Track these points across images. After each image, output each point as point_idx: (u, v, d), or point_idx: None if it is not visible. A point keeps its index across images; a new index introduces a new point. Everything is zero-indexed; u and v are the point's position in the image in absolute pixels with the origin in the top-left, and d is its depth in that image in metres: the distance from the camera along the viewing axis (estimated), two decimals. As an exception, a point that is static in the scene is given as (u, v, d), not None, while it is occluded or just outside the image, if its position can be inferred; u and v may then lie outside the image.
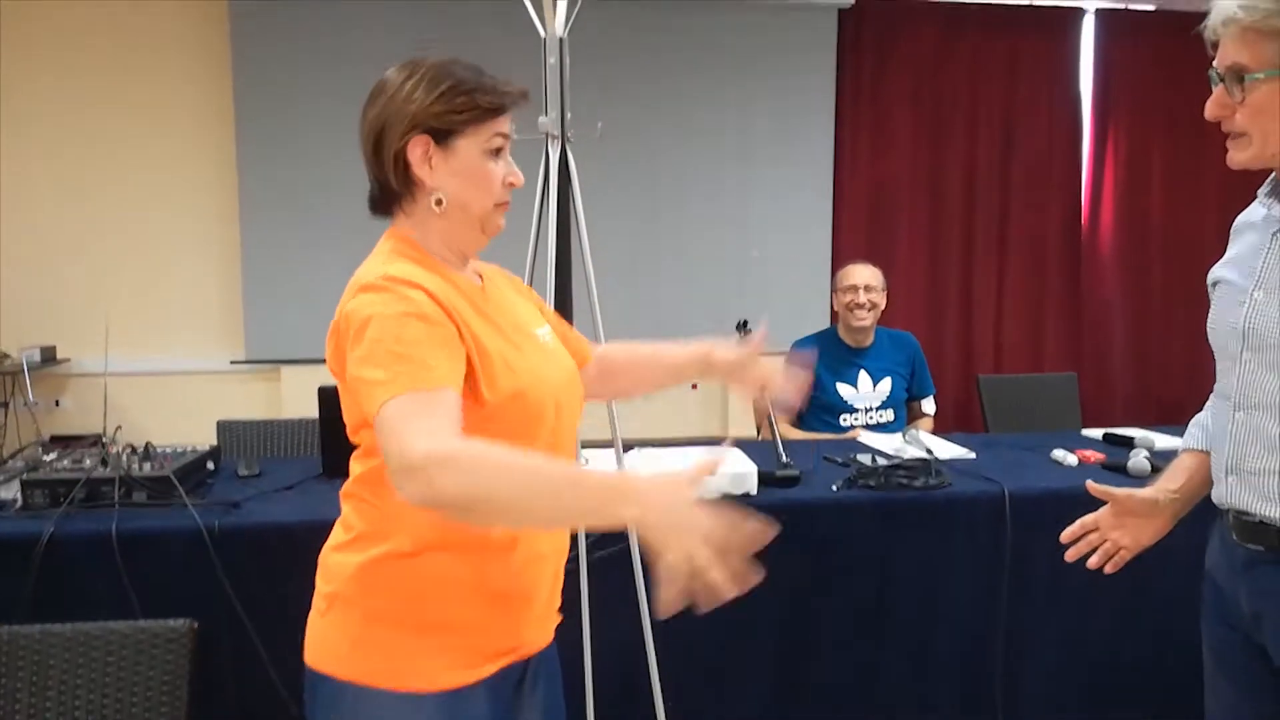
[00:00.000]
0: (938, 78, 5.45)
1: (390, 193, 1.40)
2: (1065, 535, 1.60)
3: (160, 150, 5.07)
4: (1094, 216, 5.68)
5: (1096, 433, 3.37)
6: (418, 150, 1.36)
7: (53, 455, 2.54)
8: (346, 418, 1.38)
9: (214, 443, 2.79)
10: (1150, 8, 5.54)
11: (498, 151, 1.40)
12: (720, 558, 1.13)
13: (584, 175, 2.38)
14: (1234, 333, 1.51)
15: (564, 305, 2.37)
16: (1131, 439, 3.06)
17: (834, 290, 3.69)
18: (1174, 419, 3.98)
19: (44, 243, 5.01)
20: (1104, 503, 1.72)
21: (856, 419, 3.59)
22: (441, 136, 1.36)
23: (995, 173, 5.53)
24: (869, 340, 3.64)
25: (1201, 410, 1.75)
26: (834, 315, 3.73)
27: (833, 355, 3.64)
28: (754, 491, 2.57)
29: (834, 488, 2.65)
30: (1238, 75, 1.35)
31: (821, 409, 3.60)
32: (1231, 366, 1.53)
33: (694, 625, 2.52)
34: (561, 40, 2.32)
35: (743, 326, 2.92)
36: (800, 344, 3.69)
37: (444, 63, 1.39)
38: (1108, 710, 2.79)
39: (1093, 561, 1.60)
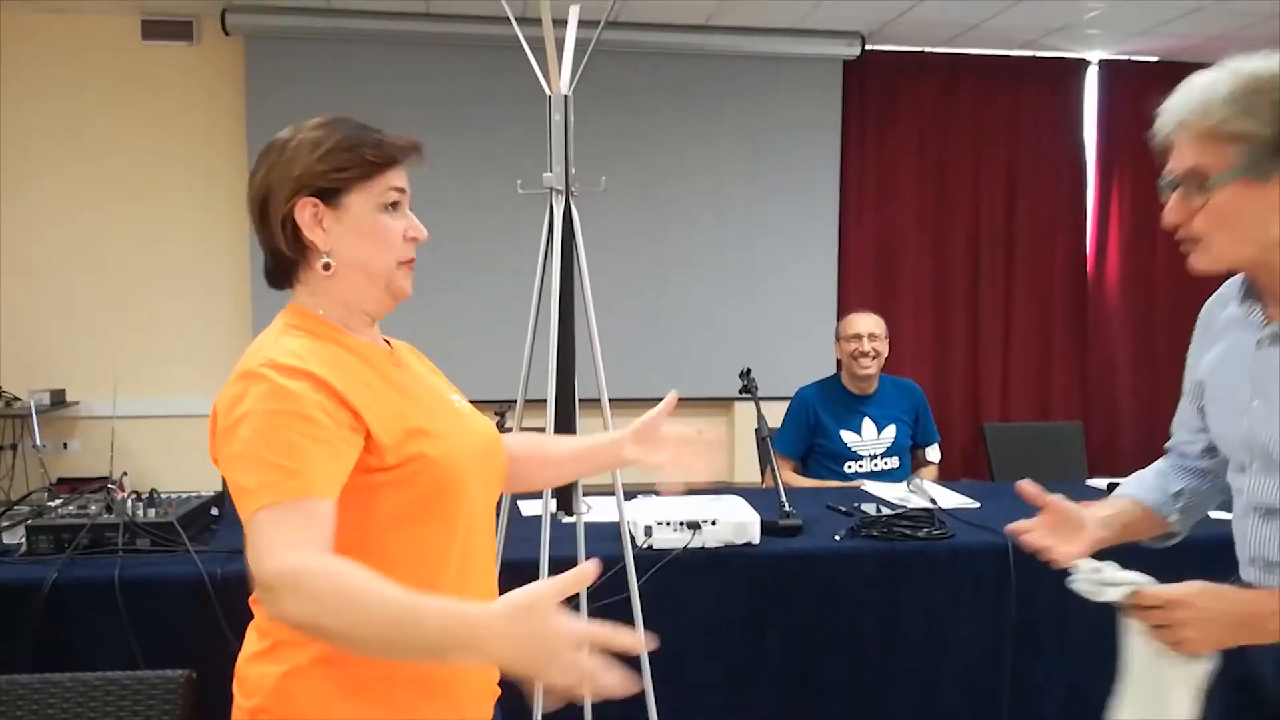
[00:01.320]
0: (942, 128, 5.50)
1: (283, 260, 1.34)
2: (1009, 529, 1.56)
3: (171, 194, 5.14)
4: (1099, 265, 5.70)
5: (1101, 483, 3.36)
6: (306, 212, 1.30)
7: (59, 501, 2.56)
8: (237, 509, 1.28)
9: (219, 488, 2.80)
10: (1153, 58, 5.61)
11: (394, 205, 1.34)
12: (599, 662, 1.05)
13: (588, 229, 2.41)
14: (1239, 445, 1.48)
15: (567, 359, 2.39)
16: (1136, 489, 3.05)
17: (837, 339, 3.71)
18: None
19: (53, 286, 5.06)
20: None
21: (861, 466, 3.59)
22: (330, 195, 1.31)
23: (1000, 222, 5.57)
24: (873, 388, 3.65)
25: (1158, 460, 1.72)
26: (838, 364, 3.75)
27: (836, 403, 3.65)
28: (756, 540, 2.57)
29: (836, 537, 2.65)
30: (1198, 180, 1.32)
31: (825, 456, 3.61)
32: (1240, 472, 1.49)
33: (697, 673, 2.53)
34: (566, 98, 2.36)
35: (746, 375, 2.94)
36: (803, 392, 3.71)
37: (328, 120, 1.35)
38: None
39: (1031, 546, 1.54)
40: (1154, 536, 1.65)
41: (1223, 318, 1.54)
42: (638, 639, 1.08)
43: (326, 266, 1.31)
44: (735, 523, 2.55)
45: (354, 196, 1.32)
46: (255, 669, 1.31)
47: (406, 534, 1.30)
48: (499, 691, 1.51)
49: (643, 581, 2.36)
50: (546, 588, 1.07)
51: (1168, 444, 1.70)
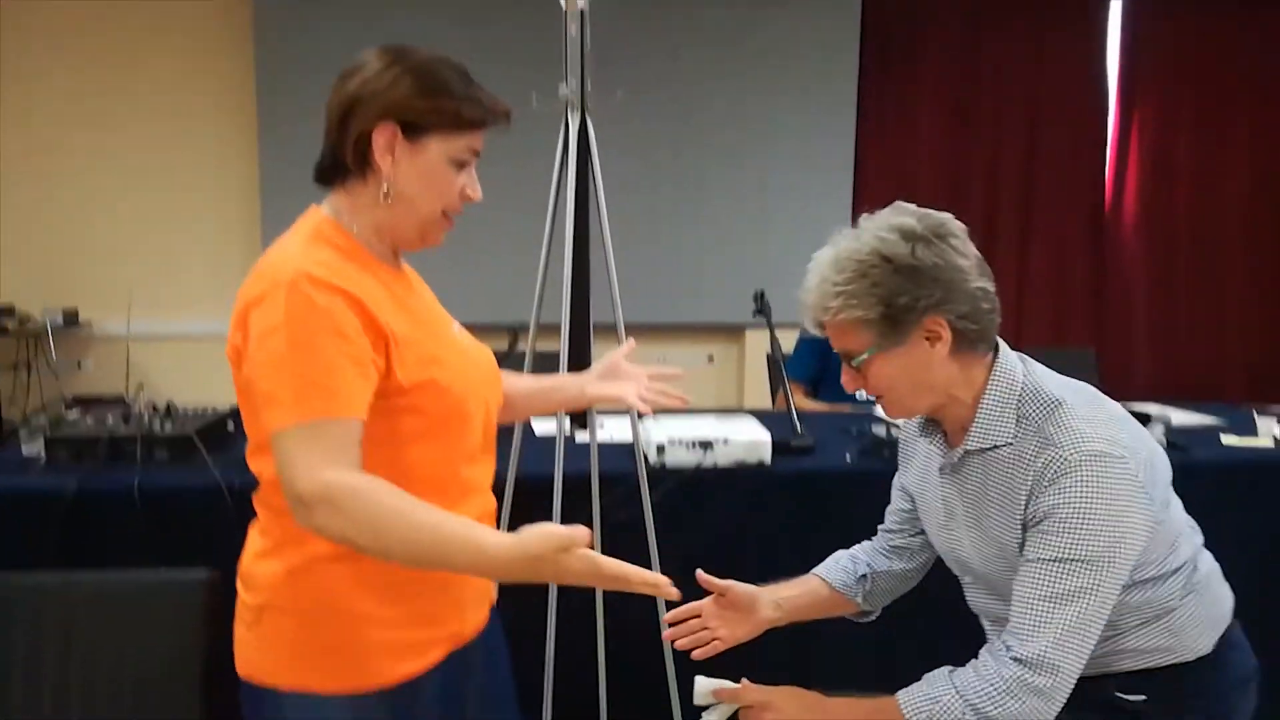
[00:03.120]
0: (962, 56, 5.40)
1: (340, 167, 1.36)
2: (667, 617, 1.66)
3: (183, 116, 5.09)
4: (1117, 197, 5.63)
5: (1113, 408, 3.37)
6: (384, 136, 1.32)
7: (75, 413, 2.58)
8: (243, 410, 1.34)
9: (235, 404, 2.82)
10: (1178, -13, 5.47)
11: (462, 165, 1.37)
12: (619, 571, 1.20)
13: (603, 148, 2.38)
14: (948, 557, 1.61)
15: (582, 281, 2.38)
16: (1148, 415, 3.05)
17: None
18: (1194, 397, 3.97)
19: (63, 205, 5.05)
20: None
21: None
22: (412, 130, 1.33)
23: (1019, 151, 5.49)
24: None
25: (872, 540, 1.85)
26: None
27: None
28: (768, 460, 2.58)
29: (847, 458, 2.67)
30: (850, 358, 1.43)
31: (837, 381, 3.58)
32: (963, 582, 1.62)
33: (707, 592, 2.56)
34: (582, 11, 2.31)
35: (760, 298, 2.92)
36: None
37: (436, 60, 1.36)
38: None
39: (681, 643, 1.65)
40: (850, 614, 1.78)
41: (910, 437, 1.68)
42: (650, 580, 1.20)
43: (386, 195, 1.33)
44: (747, 442, 2.56)
45: (434, 140, 1.34)
46: (260, 566, 1.34)
47: (415, 454, 1.34)
48: (494, 599, 1.55)
49: (655, 498, 2.38)
50: (556, 540, 1.17)
51: (879, 526, 1.82)
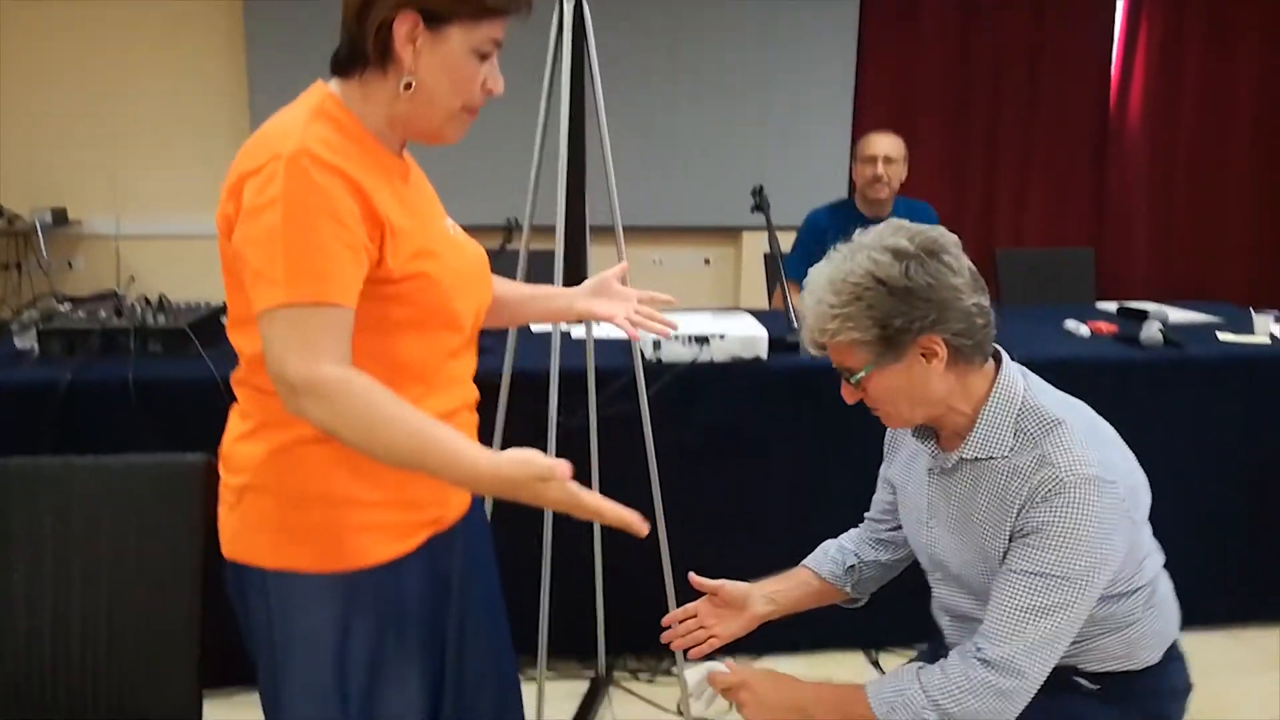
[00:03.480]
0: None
1: (359, 58, 1.31)
2: (666, 620, 1.72)
3: (170, 13, 4.95)
4: (1122, 101, 5.52)
5: (1111, 306, 3.36)
6: (405, 26, 1.27)
7: (67, 307, 2.56)
8: (227, 282, 1.30)
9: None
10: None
11: (484, 57, 1.33)
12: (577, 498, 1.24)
13: (600, 38, 2.30)
14: (923, 554, 1.64)
15: (577, 170, 2.32)
16: (1145, 312, 3.04)
17: (854, 159, 3.62)
18: (1192, 298, 3.97)
19: (52, 104, 4.93)
20: None
21: None
22: (434, 20, 1.28)
23: (1024, 50, 5.35)
24: (886, 211, 3.57)
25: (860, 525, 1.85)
26: (852, 185, 3.68)
27: (848, 226, 3.54)
28: (764, 356, 2.58)
29: (844, 354, 2.66)
30: (849, 374, 1.47)
31: (833, 280, 3.57)
32: (931, 578, 1.65)
33: (702, 486, 2.58)
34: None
35: (758, 193, 2.88)
36: (815, 215, 3.65)
37: None
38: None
39: (678, 644, 1.71)
40: (840, 601, 1.81)
41: (908, 434, 1.66)
42: (624, 518, 1.25)
43: (408, 86, 1.29)
44: (743, 337, 2.56)
45: (456, 30, 1.29)
46: (241, 448, 1.33)
47: (401, 344, 1.33)
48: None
49: (651, 393, 2.38)
50: (535, 469, 1.21)
51: (865, 514, 1.84)
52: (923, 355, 1.43)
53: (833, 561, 1.80)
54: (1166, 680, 1.57)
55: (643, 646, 2.68)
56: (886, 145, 3.51)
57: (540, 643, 2.11)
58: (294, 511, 1.31)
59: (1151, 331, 2.80)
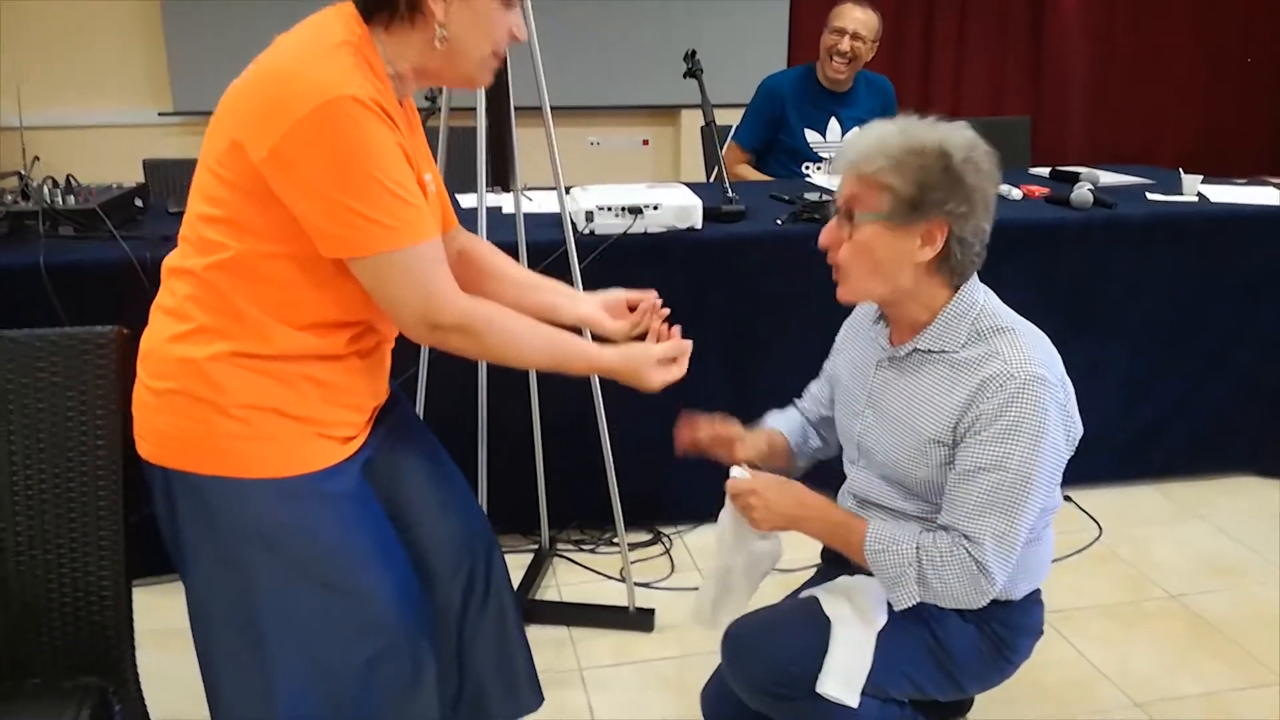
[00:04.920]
0: None
1: (386, 6, 1.28)
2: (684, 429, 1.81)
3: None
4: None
5: (1044, 170, 3.37)
6: None
7: (-29, 192, 2.45)
8: (207, 178, 1.26)
9: (141, 182, 2.69)
10: None
11: (509, 4, 1.35)
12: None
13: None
14: (851, 441, 1.70)
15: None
16: (1077, 175, 3.06)
17: (825, 26, 3.42)
18: (1127, 163, 3.98)
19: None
20: None
21: (820, 168, 3.48)
22: None
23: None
24: (846, 86, 3.45)
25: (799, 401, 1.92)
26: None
27: (806, 97, 3.46)
28: (698, 226, 2.55)
29: (779, 221, 2.64)
30: (849, 213, 1.49)
31: (785, 153, 3.50)
32: (850, 463, 1.72)
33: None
34: None
35: (690, 57, 2.80)
36: (773, 80, 3.52)
37: None
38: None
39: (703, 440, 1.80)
40: (781, 468, 1.83)
41: (853, 326, 1.77)
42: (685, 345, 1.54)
43: (443, 40, 1.30)
44: (677, 207, 2.52)
45: None
46: (174, 350, 1.28)
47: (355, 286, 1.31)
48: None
49: (584, 265, 2.35)
50: (649, 354, 1.51)
51: (796, 400, 1.90)
52: (922, 235, 1.47)
53: (798, 434, 1.85)
54: (1023, 617, 1.66)
55: (586, 519, 2.71)
56: (858, 21, 3.33)
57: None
58: (227, 420, 1.28)
59: (1082, 193, 2.82)
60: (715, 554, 1.69)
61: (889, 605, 1.58)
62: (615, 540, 2.65)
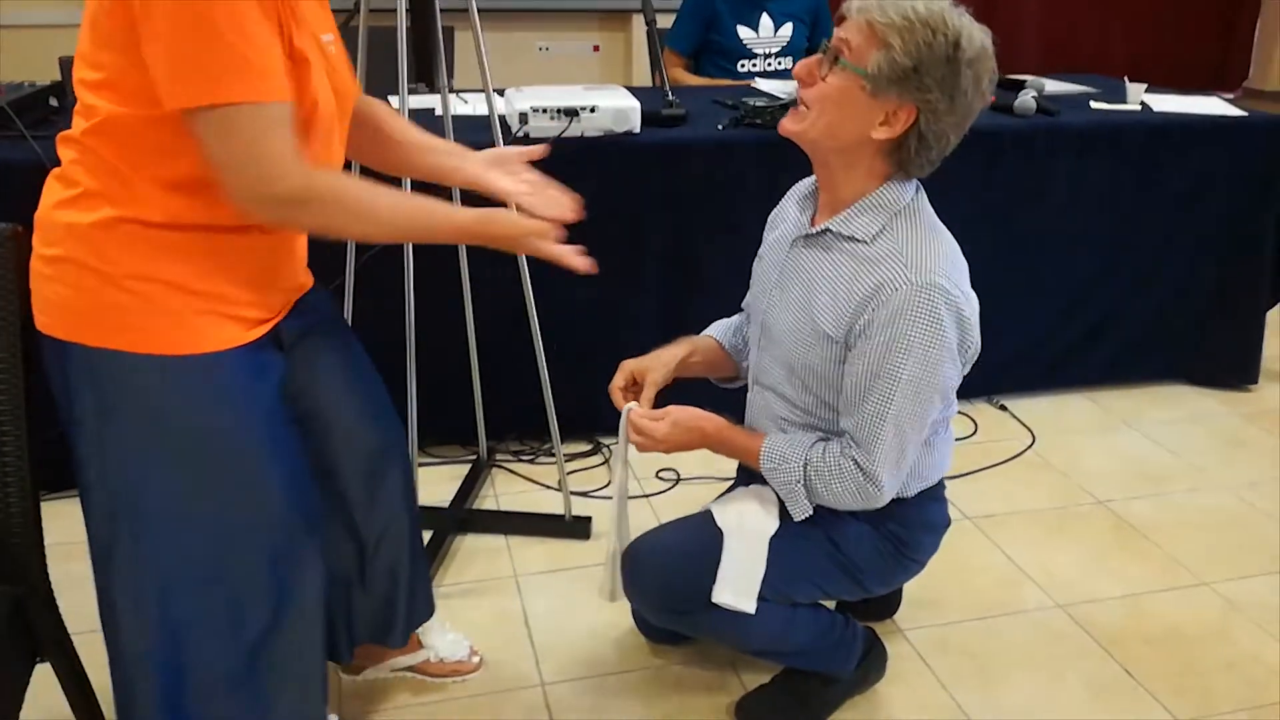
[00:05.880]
0: None
1: None
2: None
3: None
4: None
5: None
6: None
7: None
8: (90, 37, 1.19)
9: (56, 79, 2.56)
10: None
11: None
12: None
13: None
14: (756, 319, 1.67)
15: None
16: (1023, 81, 3.02)
17: None
18: (1066, 68, 3.95)
19: None
20: None
21: (754, 65, 3.44)
22: None
23: None
24: None
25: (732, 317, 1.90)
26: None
27: (742, 4, 3.41)
28: (637, 129, 2.49)
29: (720, 127, 2.59)
30: (836, 54, 1.43)
31: (719, 54, 3.44)
32: (754, 344, 1.70)
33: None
34: None
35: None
36: None
37: None
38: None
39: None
40: (723, 378, 1.87)
41: (779, 214, 1.73)
42: (579, 261, 1.40)
43: None
44: (615, 109, 2.45)
45: None
46: (61, 216, 1.23)
47: None
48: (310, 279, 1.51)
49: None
50: (513, 225, 1.38)
51: (744, 303, 1.83)
52: (887, 114, 1.43)
53: (734, 336, 1.84)
54: (918, 514, 1.68)
55: (526, 430, 2.69)
56: None
57: (410, 421, 2.09)
58: (116, 290, 1.22)
59: (1025, 100, 2.79)
60: (610, 530, 1.72)
61: (782, 510, 1.60)
62: (554, 451, 2.65)
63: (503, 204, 1.52)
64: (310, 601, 1.41)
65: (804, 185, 1.69)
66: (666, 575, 1.62)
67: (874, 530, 1.63)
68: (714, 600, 1.56)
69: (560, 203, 1.52)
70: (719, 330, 1.87)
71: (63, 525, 1.53)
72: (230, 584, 1.34)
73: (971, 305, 1.51)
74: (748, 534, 1.58)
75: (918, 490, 1.65)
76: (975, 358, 1.57)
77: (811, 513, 1.57)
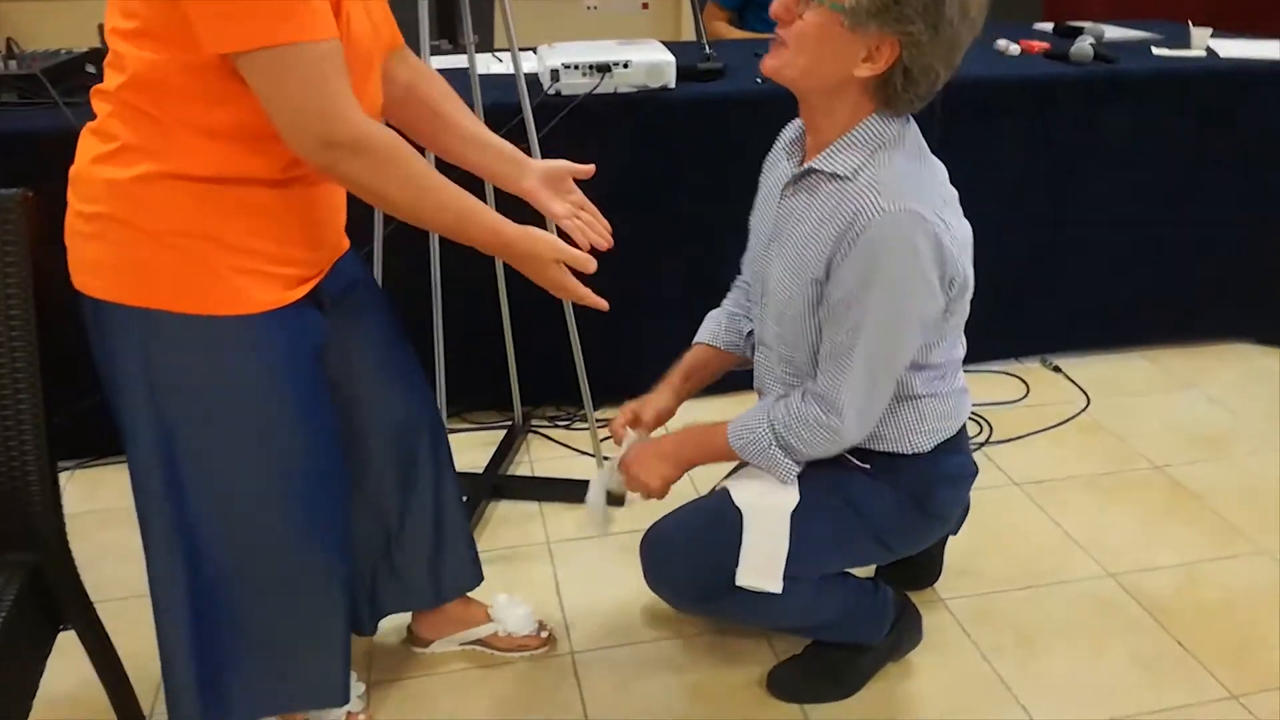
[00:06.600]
0: None
1: None
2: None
3: None
4: None
5: (1049, 25, 3.19)
6: None
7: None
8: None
9: (96, 45, 2.57)
10: None
11: None
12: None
13: None
14: (758, 277, 1.59)
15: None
16: (1081, 28, 2.89)
17: None
18: (1138, 15, 3.77)
19: None
20: None
21: None
22: None
23: None
24: None
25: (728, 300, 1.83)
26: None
27: None
28: (672, 84, 2.42)
29: (758, 81, 2.51)
30: None
31: (762, 7, 3.33)
32: (756, 304, 1.63)
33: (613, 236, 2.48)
34: None
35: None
36: None
37: None
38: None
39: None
40: (736, 366, 1.78)
41: (771, 160, 1.64)
42: (595, 300, 1.38)
43: None
44: (649, 64, 2.39)
45: None
46: (100, 172, 1.21)
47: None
48: (346, 247, 1.49)
49: (549, 129, 2.24)
50: (563, 254, 1.33)
51: (738, 279, 1.79)
52: (869, 50, 1.33)
53: (728, 331, 1.76)
54: (935, 468, 1.61)
55: (563, 396, 2.66)
56: None
57: (439, 387, 2.07)
58: (156, 248, 1.21)
59: (1083, 47, 2.66)
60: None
61: (799, 483, 1.55)
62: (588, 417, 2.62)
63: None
64: (334, 564, 1.43)
65: (791, 129, 1.60)
66: (688, 563, 1.58)
67: (893, 490, 1.58)
68: (738, 584, 1.52)
69: (599, 230, 1.51)
70: (709, 331, 1.78)
71: (102, 493, 1.54)
72: (257, 546, 1.35)
73: (955, 234, 1.41)
74: (768, 511, 1.53)
75: (932, 445, 1.59)
76: (967, 290, 1.49)
77: (797, 470, 1.53)
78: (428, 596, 1.71)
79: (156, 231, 1.20)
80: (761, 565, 1.51)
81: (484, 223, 1.29)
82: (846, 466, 1.58)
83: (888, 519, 1.59)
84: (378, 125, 1.18)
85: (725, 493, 1.58)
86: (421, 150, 1.39)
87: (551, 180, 1.54)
